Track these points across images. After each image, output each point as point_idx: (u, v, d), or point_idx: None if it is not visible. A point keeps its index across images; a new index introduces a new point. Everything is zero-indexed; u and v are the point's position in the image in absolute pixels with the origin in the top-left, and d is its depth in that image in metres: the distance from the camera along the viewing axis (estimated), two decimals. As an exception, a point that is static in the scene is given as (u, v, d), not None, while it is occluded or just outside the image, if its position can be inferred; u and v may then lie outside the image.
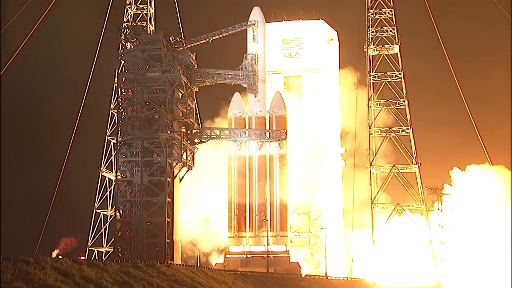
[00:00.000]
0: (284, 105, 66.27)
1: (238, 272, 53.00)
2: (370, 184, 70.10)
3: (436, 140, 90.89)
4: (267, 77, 69.18)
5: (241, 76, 64.81)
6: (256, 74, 64.91)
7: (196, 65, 64.46)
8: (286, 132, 64.24)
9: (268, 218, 63.44)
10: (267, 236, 61.13)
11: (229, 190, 65.30)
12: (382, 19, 72.37)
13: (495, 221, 68.98)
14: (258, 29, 65.93)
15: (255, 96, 65.49)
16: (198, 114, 66.37)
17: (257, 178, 64.93)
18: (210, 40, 64.97)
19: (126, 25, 63.77)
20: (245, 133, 64.34)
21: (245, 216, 64.36)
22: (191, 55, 63.59)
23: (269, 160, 65.04)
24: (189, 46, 64.01)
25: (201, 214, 71.26)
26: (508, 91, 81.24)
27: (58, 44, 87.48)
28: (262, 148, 65.08)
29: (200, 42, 64.69)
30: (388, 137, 70.45)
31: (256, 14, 66.47)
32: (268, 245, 61.01)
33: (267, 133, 64.36)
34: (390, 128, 70.79)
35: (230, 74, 65.27)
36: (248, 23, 65.71)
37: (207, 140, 63.97)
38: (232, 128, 64.85)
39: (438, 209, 71.05)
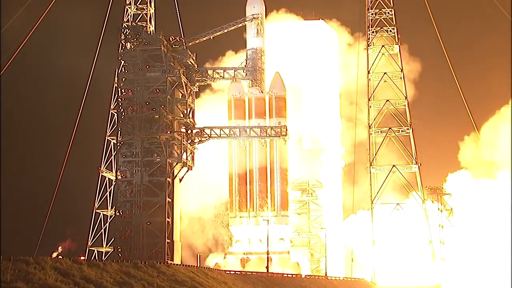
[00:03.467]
0: (284, 85, 66.12)
1: (238, 272, 52.96)
2: (370, 184, 70.15)
3: (436, 140, 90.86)
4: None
5: (243, 72, 64.84)
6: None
7: (196, 65, 64.41)
8: (286, 129, 64.12)
9: (268, 195, 63.72)
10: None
11: (229, 169, 65.45)
12: (382, 19, 72.38)
13: (495, 221, 69.02)
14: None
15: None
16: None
17: (257, 161, 65.01)
18: (212, 37, 64.99)
19: (126, 25, 63.65)
20: (245, 130, 64.11)
21: (246, 195, 64.68)
22: (191, 55, 63.51)
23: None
24: (190, 44, 63.93)
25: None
26: (508, 91, 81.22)
27: (58, 44, 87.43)
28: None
29: (201, 40, 64.70)
30: (388, 137, 70.48)
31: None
32: (268, 224, 60.34)
33: (268, 130, 64.11)
34: (390, 128, 70.81)
35: (231, 71, 65.29)
36: (251, 16, 65.55)
37: (207, 140, 63.87)
38: (232, 127, 64.71)
39: (438, 209, 71.08)
